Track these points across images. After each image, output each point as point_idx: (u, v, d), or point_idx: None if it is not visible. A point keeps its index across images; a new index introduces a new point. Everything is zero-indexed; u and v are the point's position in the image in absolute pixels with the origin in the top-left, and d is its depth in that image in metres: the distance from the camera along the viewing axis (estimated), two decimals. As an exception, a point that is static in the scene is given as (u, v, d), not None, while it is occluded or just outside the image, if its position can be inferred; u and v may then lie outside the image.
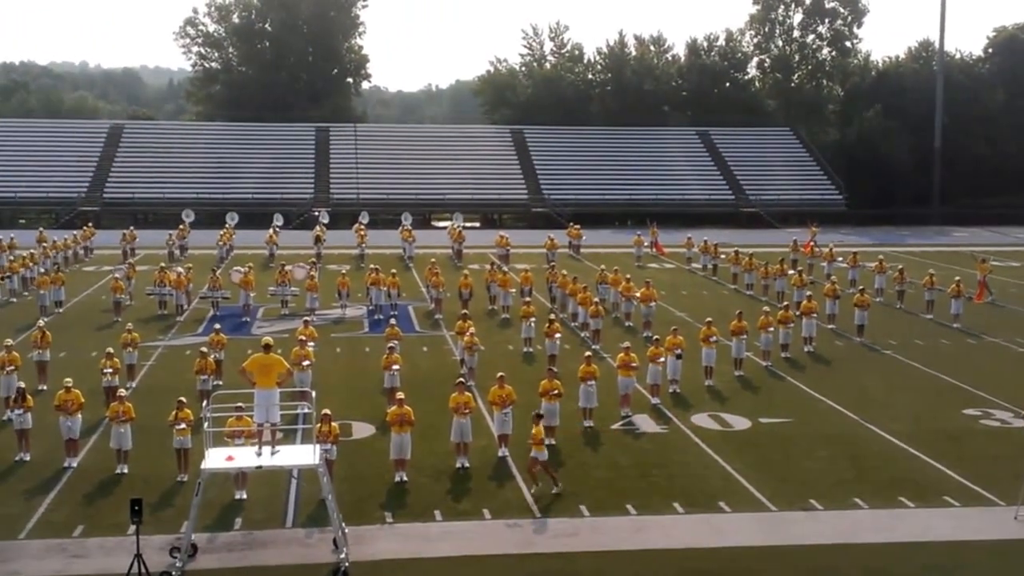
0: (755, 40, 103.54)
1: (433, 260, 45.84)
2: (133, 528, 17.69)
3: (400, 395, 23.79)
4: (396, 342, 30.00)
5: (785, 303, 37.96)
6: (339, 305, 42.12)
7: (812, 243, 56.13)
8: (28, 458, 23.85)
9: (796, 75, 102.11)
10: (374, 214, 70.35)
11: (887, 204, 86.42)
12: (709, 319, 32.41)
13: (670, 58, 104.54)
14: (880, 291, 45.53)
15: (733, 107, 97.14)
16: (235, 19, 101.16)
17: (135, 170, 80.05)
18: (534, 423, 22.31)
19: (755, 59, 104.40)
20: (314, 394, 21.46)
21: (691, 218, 76.39)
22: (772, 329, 33.90)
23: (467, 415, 23.78)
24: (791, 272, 45.50)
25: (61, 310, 41.32)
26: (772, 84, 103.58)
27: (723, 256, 52.74)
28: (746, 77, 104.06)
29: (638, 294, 39.15)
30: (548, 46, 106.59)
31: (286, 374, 19.77)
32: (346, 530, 19.26)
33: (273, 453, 18.97)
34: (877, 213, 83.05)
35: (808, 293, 38.29)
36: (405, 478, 22.70)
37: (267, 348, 19.87)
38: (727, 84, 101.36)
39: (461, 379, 25.96)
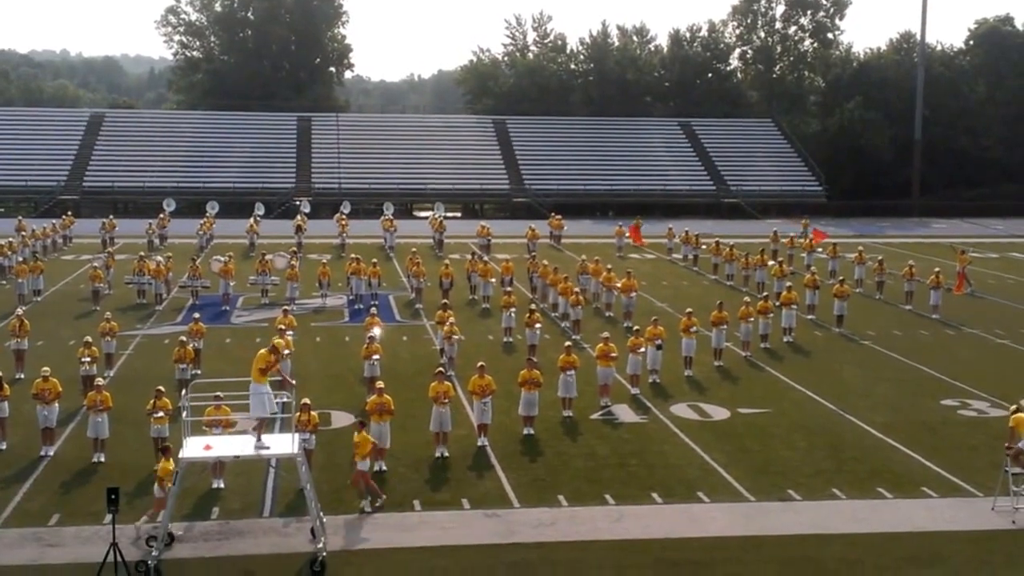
0: (737, 31, 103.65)
1: (414, 250, 45.78)
2: (109, 517, 17.59)
3: (380, 384, 23.74)
4: (376, 331, 29.91)
5: (765, 293, 38.02)
6: (319, 294, 42.00)
7: (814, 231, 55.77)
8: (4, 446, 23.68)
9: (778, 66, 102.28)
10: (356, 203, 70.17)
11: (867, 195, 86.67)
12: (689, 309, 32.54)
13: (653, 49, 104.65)
14: (860, 282, 45.72)
15: (715, 98, 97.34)
16: (217, 8, 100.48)
17: (115, 159, 79.47)
18: (357, 431, 21.14)
19: (737, 50, 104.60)
20: (294, 383, 21.37)
21: (672, 209, 76.49)
22: (752, 319, 33.94)
23: (446, 404, 23.76)
24: (771, 263, 45.59)
25: (39, 298, 41.07)
26: (754, 75, 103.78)
27: (704, 247, 52.78)
28: (728, 68, 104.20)
29: (619, 284, 39.17)
30: (531, 36, 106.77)
31: (267, 366, 19.44)
32: (324, 520, 19.22)
33: (258, 447, 18.83)
34: (857, 204, 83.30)
35: (788, 284, 38.38)
36: (384, 467, 22.64)
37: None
38: (709, 75, 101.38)
39: (441, 368, 25.92)
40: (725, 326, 32.66)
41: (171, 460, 19.42)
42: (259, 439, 18.93)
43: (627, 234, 58.24)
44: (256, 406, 18.91)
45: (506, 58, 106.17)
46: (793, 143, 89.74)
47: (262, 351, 19.39)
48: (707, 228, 60.97)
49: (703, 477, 22.71)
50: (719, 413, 27.45)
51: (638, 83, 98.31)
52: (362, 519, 20.18)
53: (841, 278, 41.13)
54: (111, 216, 58.83)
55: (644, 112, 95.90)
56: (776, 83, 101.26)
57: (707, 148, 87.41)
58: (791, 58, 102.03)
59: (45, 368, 24.37)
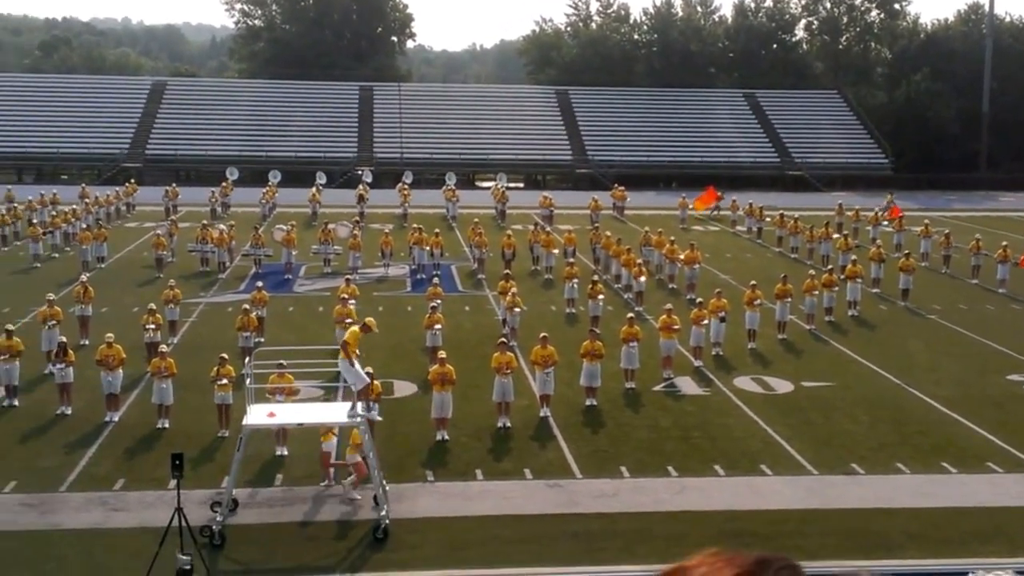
0: (803, 1, 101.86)
1: (476, 220, 45.69)
2: (174, 482, 17.68)
3: (442, 354, 23.75)
4: (438, 301, 29.96)
5: (830, 267, 37.51)
6: (382, 264, 42.09)
7: (893, 207, 54.80)
8: (69, 412, 24.04)
9: (844, 37, 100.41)
10: (418, 173, 70.03)
11: (934, 168, 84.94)
12: (753, 282, 32.21)
13: (717, 19, 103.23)
14: (925, 255, 44.93)
15: (780, 69, 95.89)
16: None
17: (178, 127, 79.99)
18: None
19: (803, 21, 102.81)
20: (358, 352, 21.42)
21: (736, 181, 75.42)
22: (816, 293, 33.50)
23: (509, 375, 23.74)
24: (836, 235, 44.95)
25: (103, 265, 41.50)
26: (820, 46, 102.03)
27: (768, 219, 52.15)
28: (794, 39, 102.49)
29: (682, 256, 38.85)
30: (594, 6, 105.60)
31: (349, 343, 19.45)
32: (387, 488, 19.29)
33: (359, 415, 18.89)
34: (923, 177, 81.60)
35: (853, 257, 37.85)
36: (446, 437, 22.71)
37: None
38: (774, 46, 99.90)
39: (503, 339, 25.90)
40: (789, 299, 32.29)
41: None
42: (369, 407, 18.98)
43: (691, 205, 57.53)
44: (354, 378, 18.94)
45: (569, 28, 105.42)
46: (859, 115, 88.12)
47: (354, 329, 19.40)
48: (771, 200, 60.05)
49: (766, 450, 22.54)
50: (783, 386, 27.19)
51: (702, 54, 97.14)
52: (424, 487, 20.25)
53: (907, 251, 40.46)
54: (174, 184, 59.26)
55: (708, 83, 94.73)
56: (842, 54, 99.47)
57: (772, 120, 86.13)
58: (857, 29, 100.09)
59: (109, 334, 24.66)
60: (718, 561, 2.88)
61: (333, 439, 20.58)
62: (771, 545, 18.03)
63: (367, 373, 21.59)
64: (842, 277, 36.34)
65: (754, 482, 20.88)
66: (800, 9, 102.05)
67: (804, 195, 71.66)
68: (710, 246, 47.97)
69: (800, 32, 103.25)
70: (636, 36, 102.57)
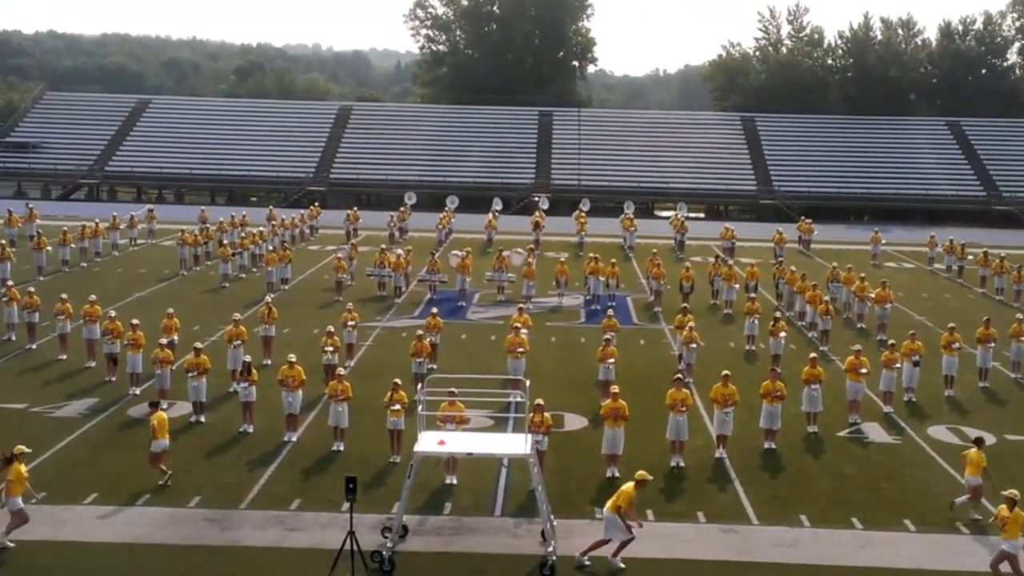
0: (1018, 23, 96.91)
1: (654, 251, 44.87)
2: (347, 505, 17.76)
3: (615, 388, 23.14)
4: (613, 334, 29.32)
5: (1040, 310, 35.17)
6: (556, 293, 41.77)
7: None
8: (251, 430, 24.54)
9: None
10: (595, 201, 69.67)
11: None
12: (952, 324, 30.50)
13: (920, 42, 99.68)
14: None
15: (989, 96, 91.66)
16: (464, 1, 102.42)
17: (361, 151, 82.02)
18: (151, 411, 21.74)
19: (1016, 44, 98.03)
20: (528, 383, 21.05)
21: (936, 215, 72.23)
22: (1025, 338, 31.38)
23: (684, 412, 23.02)
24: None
25: (287, 287, 42.50)
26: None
27: (970, 257, 49.56)
28: (1005, 64, 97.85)
29: (872, 294, 37.15)
30: (785, 29, 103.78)
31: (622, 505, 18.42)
32: (555, 523, 18.81)
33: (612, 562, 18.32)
34: None
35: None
36: (617, 474, 22.08)
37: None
38: (983, 71, 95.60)
39: (679, 375, 25.12)
40: (992, 344, 30.37)
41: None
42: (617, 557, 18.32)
43: (883, 241, 54.97)
44: (618, 534, 18.14)
45: (757, 53, 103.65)
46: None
47: (628, 489, 18.36)
48: (974, 237, 57.09)
49: (963, 506, 20.97)
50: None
51: (902, 80, 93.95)
52: (593, 525, 19.65)
53: None
54: (355, 208, 60.40)
55: (907, 111, 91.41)
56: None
57: (977, 150, 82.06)
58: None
59: (291, 355, 25.09)
60: None
61: (164, 440, 21.16)
62: (968, 610, 16.83)
63: (537, 405, 21.17)
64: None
65: (949, 541, 19.57)
66: (1014, 32, 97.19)
67: (1012, 232, 67.93)
68: (904, 285, 45.86)
69: (1013, 56, 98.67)
70: (830, 61, 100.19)
